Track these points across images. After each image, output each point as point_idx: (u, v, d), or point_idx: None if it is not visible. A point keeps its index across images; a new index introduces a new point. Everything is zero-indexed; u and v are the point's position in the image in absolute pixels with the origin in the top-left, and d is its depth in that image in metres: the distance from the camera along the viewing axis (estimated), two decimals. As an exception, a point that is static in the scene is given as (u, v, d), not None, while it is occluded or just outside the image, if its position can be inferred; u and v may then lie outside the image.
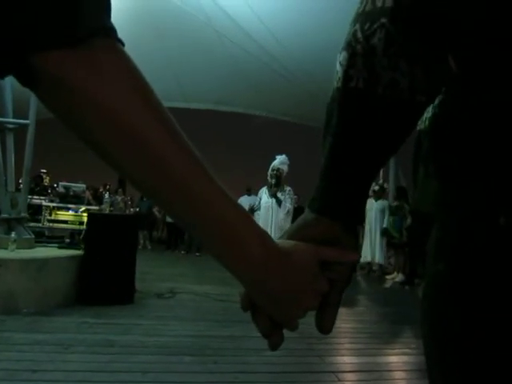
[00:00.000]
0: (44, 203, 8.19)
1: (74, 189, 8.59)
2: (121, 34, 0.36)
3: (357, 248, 0.52)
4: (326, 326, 0.48)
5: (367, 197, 0.53)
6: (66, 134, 0.40)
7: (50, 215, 8.02)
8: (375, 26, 0.46)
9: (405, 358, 3.07)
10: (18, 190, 4.90)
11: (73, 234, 5.31)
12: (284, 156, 5.43)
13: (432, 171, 0.47)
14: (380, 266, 7.95)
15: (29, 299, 3.53)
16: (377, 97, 0.46)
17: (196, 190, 0.38)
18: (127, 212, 9.77)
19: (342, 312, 4.22)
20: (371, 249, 7.84)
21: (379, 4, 0.46)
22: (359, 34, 0.47)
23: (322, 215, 0.48)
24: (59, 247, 4.43)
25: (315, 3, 5.66)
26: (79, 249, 4.26)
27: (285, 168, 5.37)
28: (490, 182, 0.39)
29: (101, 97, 0.34)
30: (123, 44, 0.37)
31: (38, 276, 3.65)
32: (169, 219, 9.45)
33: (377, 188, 7.72)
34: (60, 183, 8.97)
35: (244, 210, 0.42)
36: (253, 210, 5.44)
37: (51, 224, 7.78)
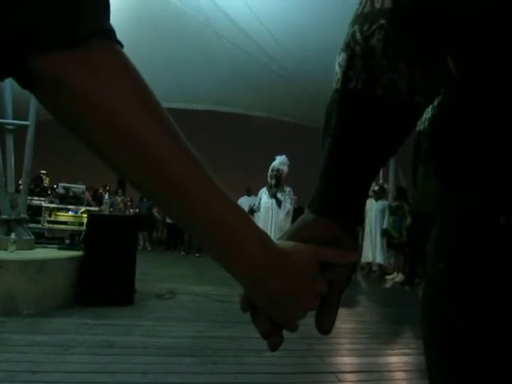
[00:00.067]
0: (44, 204, 8.17)
1: (74, 190, 8.57)
2: (120, 35, 0.36)
3: (356, 249, 0.52)
4: (325, 326, 0.48)
5: (367, 197, 0.53)
6: (66, 135, 0.40)
7: (50, 216, 8.00)
8: (374, 27, 0.46)
9: (405, 359, 3.07)
10: (17, 191, 4.91)
11: (73, 234, 5.32)
12: (284, 156, 5.43)
13: (432, 171, 0.47)
14: (380, 266, 7.95)
15: (29, 300, 3.53)
16: (376, 98, 0.47)
17: (195, 191, 0.38)
18: (127, 213, 9.78)
19: (342, 312, 4.22)
20: (372, 249, 7.84)
21: (378, 5, 0.46)
22: (358, 36, 0.47)
23: (322, 216, 0.49)
24: (59, 248, 4.43)
25: (314, 4, 5.66)
26: (79, 250, 4.26)
27: (285, 168, 5.37)
28: (490, 182, 0.39)
29: (100, 98, 0.34)
30: (122, 45, 0.37)
31: (38, 277, 3.64)
32: (169, 220, 9.46)
33: (377, 188, 7.73)
34: (60, 184, 8.95)
35: (243, 211, 0.42)
36: (252, 210, 5.44)
37: (51, 225, 7.76)
